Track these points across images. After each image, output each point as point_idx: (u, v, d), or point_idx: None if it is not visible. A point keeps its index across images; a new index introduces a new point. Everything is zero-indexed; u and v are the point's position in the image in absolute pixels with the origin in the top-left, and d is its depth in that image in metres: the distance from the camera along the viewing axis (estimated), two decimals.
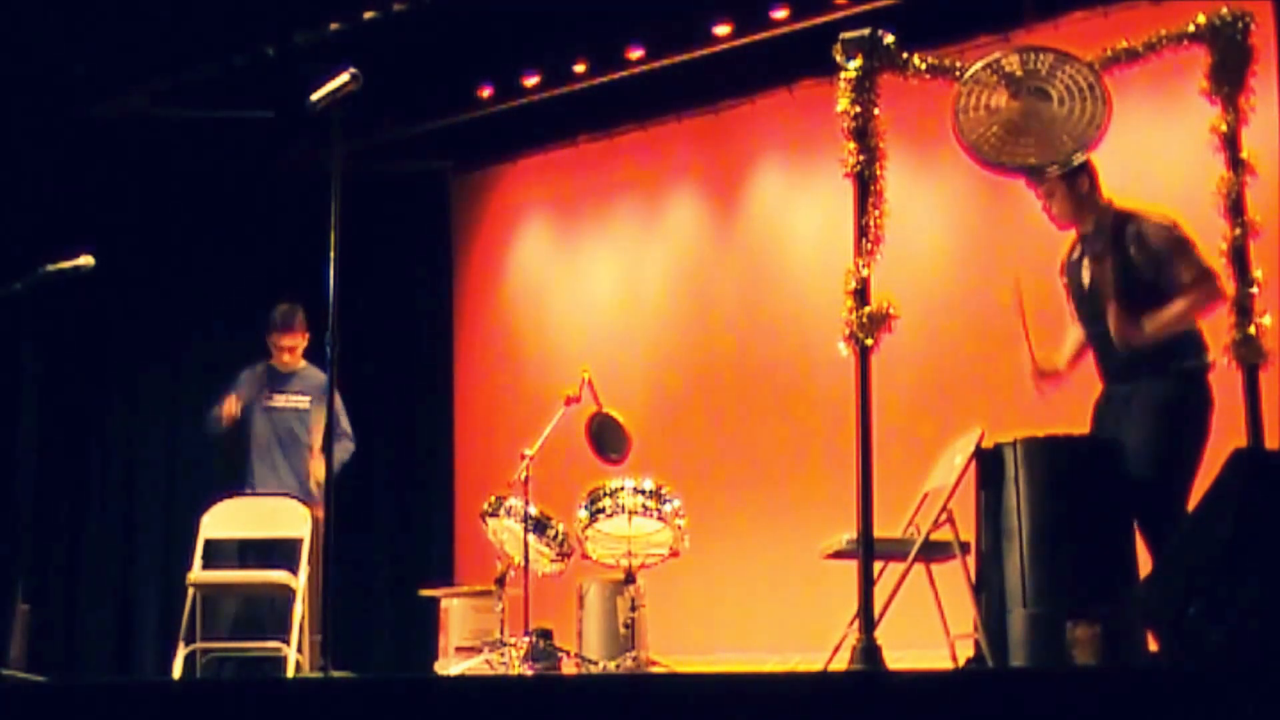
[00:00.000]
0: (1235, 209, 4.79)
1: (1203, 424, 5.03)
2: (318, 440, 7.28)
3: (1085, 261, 5.27)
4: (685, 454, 8.04)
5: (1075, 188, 5.23)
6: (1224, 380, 4.98)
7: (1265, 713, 3.16)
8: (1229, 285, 4.83)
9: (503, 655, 6.38)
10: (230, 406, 7.31)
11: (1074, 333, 5.43)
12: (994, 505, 4.98)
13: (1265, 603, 3.74)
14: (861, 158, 4.79)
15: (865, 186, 4.79)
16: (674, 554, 6.52)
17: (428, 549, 9.04)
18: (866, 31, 4.87)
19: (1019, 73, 4.94)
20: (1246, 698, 3.17)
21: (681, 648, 6.97)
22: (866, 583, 4.66)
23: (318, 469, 7.18)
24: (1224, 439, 4.85)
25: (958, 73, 4.97)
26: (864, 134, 4.80)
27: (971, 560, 5.22)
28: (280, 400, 7.40)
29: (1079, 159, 5.05)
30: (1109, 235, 5.18)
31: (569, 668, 6.38)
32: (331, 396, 5.12)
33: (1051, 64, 4.93)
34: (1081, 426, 5.22)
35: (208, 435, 7.52)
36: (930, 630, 5.49)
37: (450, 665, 6.91)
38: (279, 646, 6.69)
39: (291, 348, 7.42)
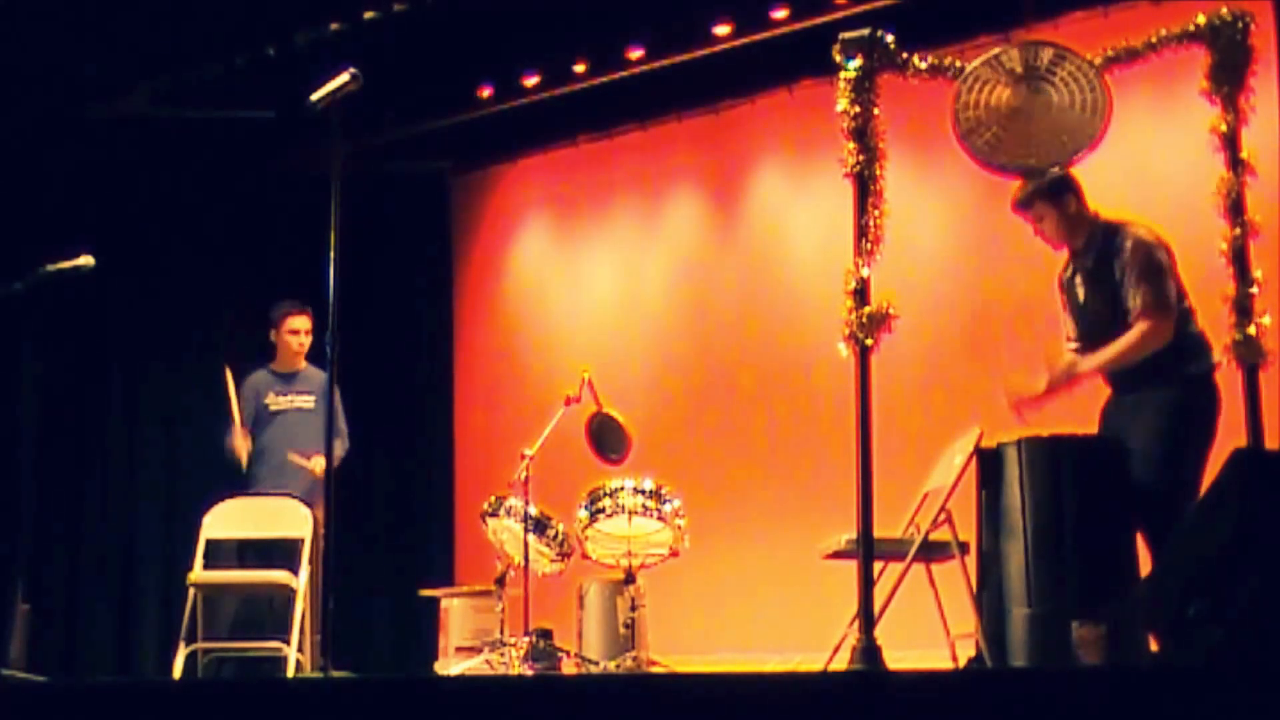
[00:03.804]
0: (1235, 209, 4.79)
1: (1208, 428, 5.02)
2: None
3: (1079, 278, 5.27)
4: (685, 454, 8.04)
5: (1064, 208, 5.23)
6: (1224, 380, 4.98)
7: (1266, 713, 3.16)
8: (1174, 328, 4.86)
9: (503, 655, 6.38)
10: (239, 441, 7.25)
11: (1065, 359, 5.40)
12: (995, 505, 4.97)
13: (1265, 603, 3.74)
14: (861, 158, 4.79)
15: (865, 186, 4.79)
16: (674, 554, 6.52)
17: (428, 549, 9.04)
18: (866, 31, 4.87)
19: (1020, 68, 4.94)
20: (1247, 698, 3.17)
21: (682, 648, 6.97)
22: (866, 583, 4.66)
23: (317, 464, 7.15)
24: (1224, 439, 4.86)
25: (957, 72, 4.97)
26: (864, 134, 4.80)
27: (971, 560, 5.22)
28: (284, 401, 7.36)
29: (1080, 159, 5.04)
30: (1099, 249, 5.18)
31: (569, 668, 6.38)
32: (332, 396, 5.12)
33: (1052, 59, 4.93)
34: (1078, 427, 5.21)
35: (231, 463, 7.42)
36: (931, 630, 5.50)
37: (450, 665, 6.92)
38: (279, 646, 6.69)
39: (306, 330, 7.34)
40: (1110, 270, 5.13)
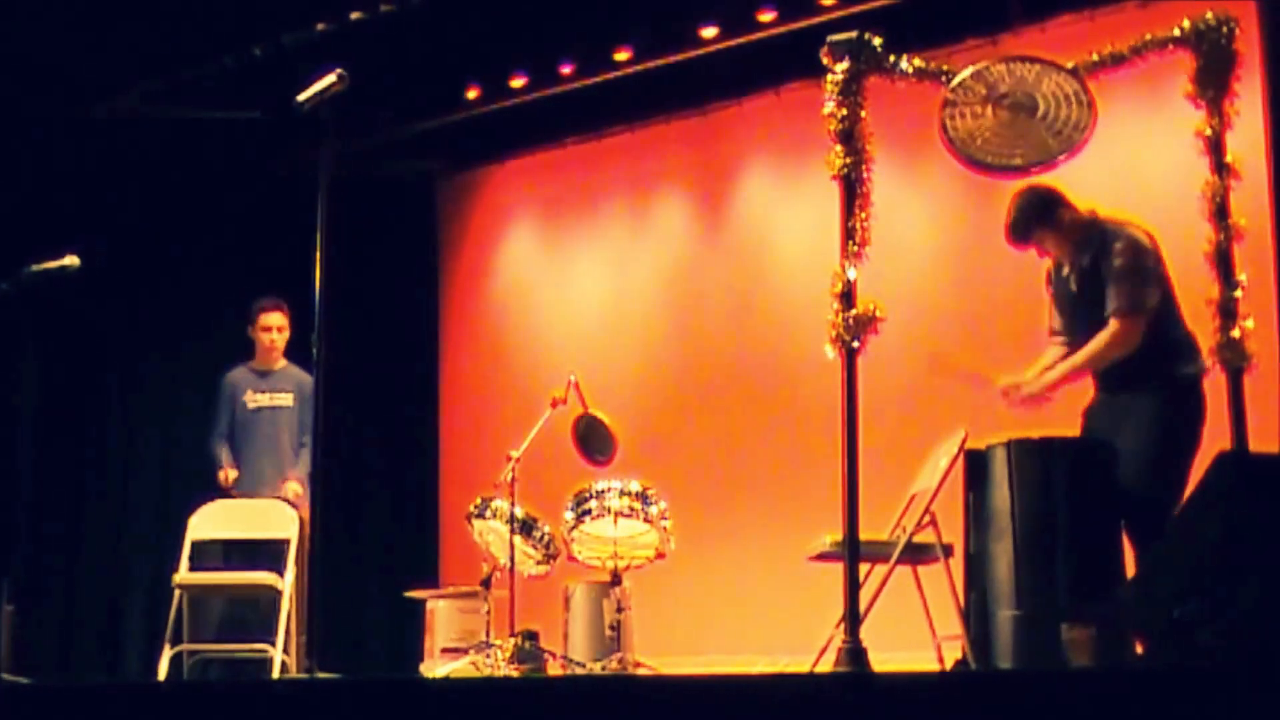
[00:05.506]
0: (1220, 212, 4.81)
1: (1194, 433, 5.01)
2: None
3: (1074, 275, 5.28)
4: (671, 456, 8.04)
5: (1058, 224, 5.24)
6: (1209, 383, 4.99)
7: (1254, 714, 3.17)
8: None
9: (488, 657, 6.38)
10: (226, 477, 7.25)
11: (1051, 353, 5.40)
12: (983, 506, 4.97)
13: (1253, 605, 3.75)
14: (848, 160, 4.79)
15: (852, 189, 4.79)
16: (660, 556, 6.52)
17: (414, 550, 9.03)
18: (854, 34, 4.87)
19: (1005, 82, 4.96)
20: (1234, 699, 3.18)
21: (667, 649, 6.96)
22: (852, 585, 4.66)
23: (290, 489, 7.15)
24: (1209, 442, 4.87)
25: (945, 76, 4.98)
26: (851, 137, 4.80)
27: (956, 562, 5.22)
28: (263, 399, 7.35)
29: (1064, 161, 5.05)
30: (1095, 247, 5.19)
31: (555, 669, 6.38)
32: (318, 398, 5.10)
33: (1038, 74, 4.95)
34: (1064, 429, 5.22)
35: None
36: (918, 632, 5.50)
37: (436, 667, 6.90)
38: (265, 648, 6.68)
39: (280, 327, 7.35)
40: (1096, 263, 5.14)
